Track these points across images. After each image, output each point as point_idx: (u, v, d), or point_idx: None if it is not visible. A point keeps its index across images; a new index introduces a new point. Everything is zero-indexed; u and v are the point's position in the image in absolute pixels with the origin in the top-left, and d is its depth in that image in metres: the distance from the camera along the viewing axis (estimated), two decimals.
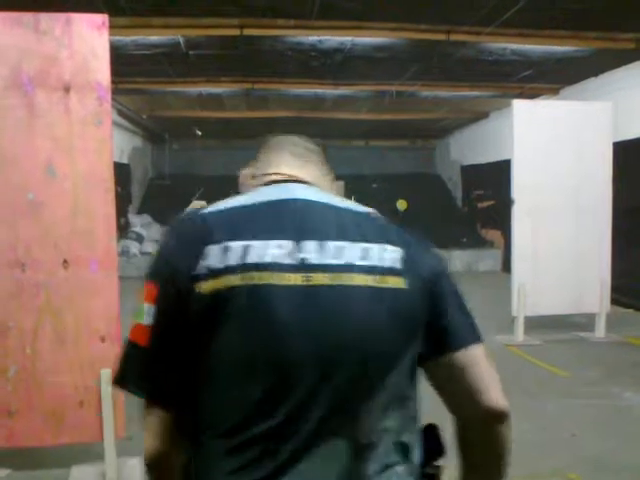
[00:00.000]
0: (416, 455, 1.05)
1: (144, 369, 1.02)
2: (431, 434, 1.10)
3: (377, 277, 1.00)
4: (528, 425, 4.30)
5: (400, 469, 1.02)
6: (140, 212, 14.37)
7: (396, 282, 1.01)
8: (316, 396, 0.96)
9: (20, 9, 3.17)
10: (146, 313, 1.00)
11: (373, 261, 1.01)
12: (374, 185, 16.05)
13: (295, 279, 0.97)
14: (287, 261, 0.98)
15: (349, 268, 0.99)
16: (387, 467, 1.00)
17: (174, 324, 0.98)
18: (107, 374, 3.21)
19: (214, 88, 10.18)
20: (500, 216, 11.36)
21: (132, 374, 1.03)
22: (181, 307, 0.97)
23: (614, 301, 7.33)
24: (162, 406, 1.01)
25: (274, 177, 1.15)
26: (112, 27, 3.30)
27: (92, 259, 3.22)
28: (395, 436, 1.01)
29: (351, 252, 1.00)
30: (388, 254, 1.02)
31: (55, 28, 3.14)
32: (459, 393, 1.06)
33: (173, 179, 15.81)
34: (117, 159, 11.09)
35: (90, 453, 3.60)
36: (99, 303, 3.24)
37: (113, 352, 3.25)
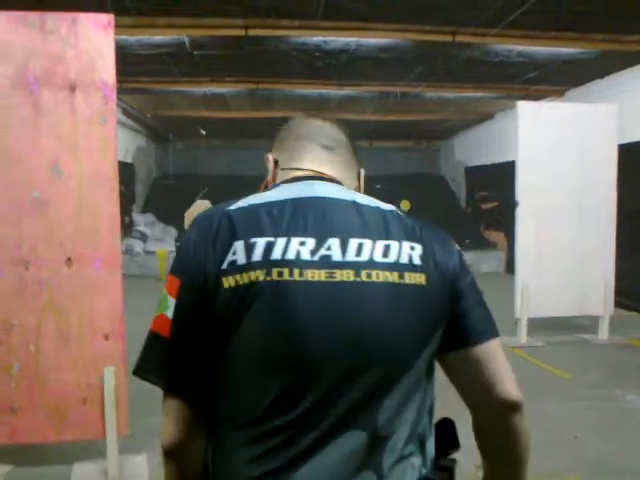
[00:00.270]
0: (430, 447, 1.08)
1: (165, 360, 1.03)
2: (446, 428, 1.13)
3: (398, 274, 1.01)
4: (530, 426, 4.29)
5: (415, 460, 1.04)
6: (144, 211, 14.40)
7: (416, 278, 1.02)
8: (336, 391, 0.98)
9: (26, 8, 3.18)
10: (169, 305, 1.02)
11: (394, 258, 1.02)
12: (378, 186, 16.03)
13: (318, 275, 0.99)
14: (310, 258, 0.99)
15: (370, 265, 1.01)
16: (402, 458, 1.02)
17: (197, 317, 1.00)
18: (110, 372, 3.22)
19: (218, 88, 10.19)
20: (504, 217, 11.35)
21: (153, 364, 1.04)
22: (204, 301, 0.99)
23: (618, 303, 7.31)
24: (182, 396, 1.02)
25: (299, 173, 1.15)
26: (117, 27, 3.31)
27: (96, 257, 3.24)
28: (412, 428, 1.03)
29: (372, 249, 1.02)
30: (409, 251, 1.04)
31: (61, 27, 3.16)
32: (476, 385, 1.08)
33: (177, 179, 15.84)
34: (121, 158, 11.12)
35: (92, 450, 3.62)
36: (103, 301, 3.25)
37: (116, 350, 3.26)
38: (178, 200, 11.19)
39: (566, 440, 4.08)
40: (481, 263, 13.04)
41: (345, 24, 6.64)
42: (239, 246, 0.99)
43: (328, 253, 1.00)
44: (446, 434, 1.12)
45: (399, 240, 1.04)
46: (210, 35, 6.92)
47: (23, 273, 3.18)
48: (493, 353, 1.08)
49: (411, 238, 1.05)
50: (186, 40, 7.11)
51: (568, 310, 6.79)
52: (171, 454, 1.05)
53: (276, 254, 0.98)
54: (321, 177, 1.14)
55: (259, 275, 0.97)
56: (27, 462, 3.58)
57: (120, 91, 7.03)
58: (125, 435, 3.38)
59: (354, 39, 7.16)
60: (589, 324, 7.09)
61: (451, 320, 1.07)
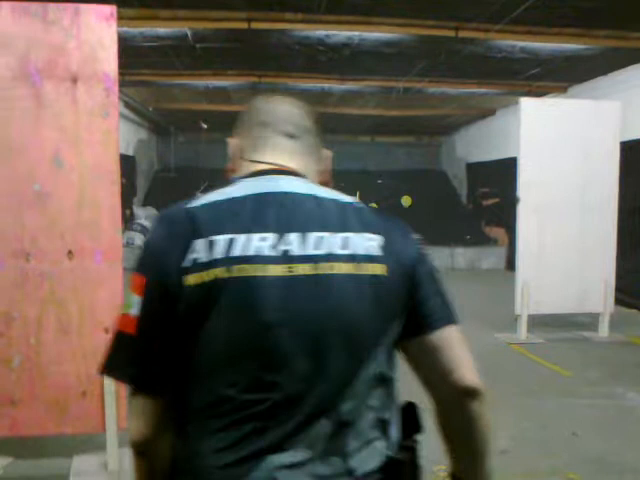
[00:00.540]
0: (394, 432, 1.10)
1: (132, 357, 1.05)
2: (410, 411, 1.14)
3: (357, 265, 1.04)
4: (529, 424, 4.30)
5: (380, 444, 1.07)
6: (145, 204, 14.39)
7: (375, 269, 1.05)
8: (301, 382, 1.00)
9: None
10: (134, 304, 1.03)
11: (352, 250, 1.04)
12: (379, 181, 16.03)
13: (278, 270, 1.01)
14: (270, 253, 1.01)
15: (329, 257, 1.03)
16: (368, 442, 1.05)
17: (162, 315, 1.02)
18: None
19: (221, 81, 10.17)
20: (505, 214, 11.34)
21: (120, 362, 1.06)
22: (169, 298, 1.01)
23: (618, 301, 7.31)
24: (148, 393, 1.05)
25: (260, 167, 1.15)
26: (120, 18, 3.29)
27: (97, 250, 3.23)
28: (376, 413, 1.06)
29: (331, 242, 1.04)
30: (367, 242, 1.06)
31: (63, 18, 3.14)
32: (435, 372, 1.10)
33: (178, 172, 15.81)
34: (123, 151, 11.09)
35: (92, 443, 3.62)
36: (103, 294, 3.24)
37: None
38: (179, 193, 11.15)
39: (565, 437, 4.08)
40: (482, 259, 13.05)
41: (348, 18, 6.62)
42: (200, 244, 1.01)
43: (288, 248, 1.02)
44: (410, 417, 1.14)
45: (358, 232, 1.06)
46: (213, 28, 6.90)
47: (24, 265, 3.18)
48: (451, 340, 1.10)
49: (370, 229, 1.08)
50: (189, 33, 7.09)
51: (568, 307, 6.79)
52: (140, 449, 1.07)
53: (237, 251, 1.00)
54: (282, 171, 1.14)
55: (221, 272, 0.99)
56: (27, 455, 3.59)
57: (122, 84, 7.01)
58: (125, 428, 3.38)
59: (357, 33, 7.14)
60: (589, 321, 7.09)
61: (410, 308, 1.09)
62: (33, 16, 3.11)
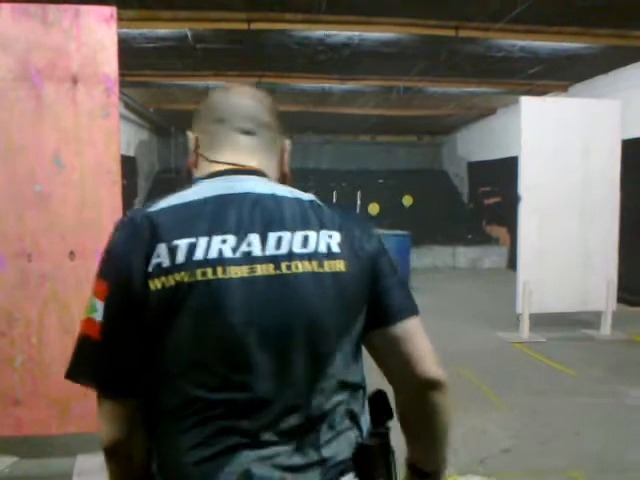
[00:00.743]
0: (365, 422, 1.13)
1: (97, 362, 1.06)
2: (379, 399, 1.17)
3: (317, 262, 1.05)
4: (531, 422, 4.30)
5: (351, 433, 1.09)
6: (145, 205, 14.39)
7: (336, 265, 1.06)
8: (270, 379, 1.02)
9: (28, 0, 3.17)
10: (97, 309, 1.04)
11: (312, 248, 1.06)
12: (380, 180, 16.03)
13: (240, 272, 1.02)
14: (232, 255, 1.02)
15: (290, 257, 1.04)
16: (339, 433, 1.07)
17: (126, 320, 1.03)
18: None
19: (221, 82, 10.16)
20: (506, 213, 11.34)
21: (85, 367, 1.07)
22: (132, 304, 1.01)
23: (620, 299, 7.31)
24: (115, 397, 1.06)
25: (218, 167, 1.15)
26: (120, 19, 3.30)
27: (98, 250, 3.20)
28: (346, 405, 1.09)
29: (291, 241, 1.05)
30: (327, 239, 1.07)
31: (63, 20, 3.15)
32: (397, 363, 1.12)
33: (179, 173, 15.82)
34: (124, 152, 11.09)
35: (95, 442, 3.59)
36: None
37: None
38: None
39: (568, 436, 4.08)
40: (483, 258, 13.05)
41: (348, 18, 6.62)
42: (162, 249, 1.01)
43: (249, 249, 1.03)
44: (380, 404, 1.16)
45: (317, 230, 1.08)
46: (213, 28, 6.90)
47: (25, 266, 3.19)
48: (413, 331, 1.12)
49: (329, 226, 1.09)
50: (189, 33, 7.09)
51: (570, 306, 6.78)
52: (111, 453, 1.09)
53: (199, 254, 1.01)
54: (241, 170, 1.14)
55: (184, 277, 1.00)
56: (31, 454, 3.60)
57: (123, 84, 7.01)
58: None
59: (357, 33, 7.14)
60: (592, 320, 7.08)
61: (372, 300, 1.11)
62: (33, 18, 3.12)
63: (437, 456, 1.20)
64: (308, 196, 1.13)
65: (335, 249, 1.07)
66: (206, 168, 1.17)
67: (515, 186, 6.71)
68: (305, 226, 1.07)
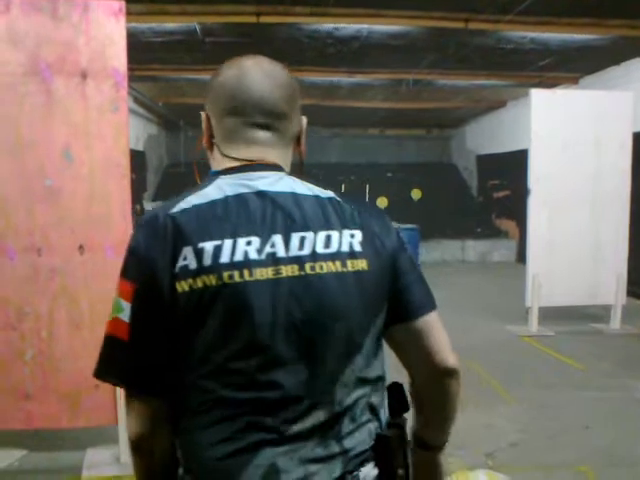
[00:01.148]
0: (384, 414, 1.17)
1: (125, 362, 1.07)
2: (396, 391, 1.21)
3: (340, 262, 1.07)
4: (540, 416, 4.30)
5: (371, 425, 1.13)
6: (155, 199, 14.43)
7: (358, 264, 1.09)
8: (296, 378, 1.05)
9: None
10: (124, 309, 1.06)
11: (335, 247, 1.07)
12: (389, 174, 15.99)
13: (266, 273, 1.03)
14: (257, 257, 1.04)
15: (313, 257, 1.06)
16: (360, 425, 1.11)
17: (153, 321, 1.05)
18: None
19: None
20: (515, 206, 11.28)
21: (113, 367, 1.09)
22: (159, 305, 1.03)
23: (630, 293, 7.27)
24: (143, 395, 1.08)
25: (235, 163, 1.13)
26: (129, 14, 3.30)
27: (108, 245, 3.25)
28: (367, 398, 1.12)
29: (314, 241, 1.07)
30: (349, 239, 1.09)
31: (72, 14, 3.15)
32: (418, 355, 1.16)
33: (188, 167, 15.85)
34: (133, 146, 11.12)
35: (105, 436, 3.65)
36: (114, 288, 3.26)
37: None
38: (188, 188, 11.19)
39: (577, 430, 4.07)
40: (492, 252, 13.00)
41: (357, 11, 6.58)
42: (188, 251, 1.03)
43: (273, 250, 1.05)
44: (397, 396, 1.21)
45: (339, 229, 1.09)
46: (222, 22, 6.89)
47: (35, 260, 3.21)
48: (432, 325, 1.16)
49: (350, 225, 1.10)
50: (198, 27, 7.08)
51: (580, 299, 6.75)
52: (138, 448, 1.10)
53: (225, 257, 1.02)
54: (258, 165, 1.13)
55: (211, 280, 1.02)
56: (41, 447, 3.63)
57: (132, 79, 7.03)
58: None
59: (366, 26, 7.10)
60: (601, 314, 7.05)
61: (392, 297, 1.14)
62: (43, 13, 3.13)
63: (444, 434, 1.27)
64: (327, 193, 1.13)
65: (357, 248, 1.09)
66: (222, 161, 1.16)
67: (525, 179, 6.68)
68: (327, 226, 1.08)
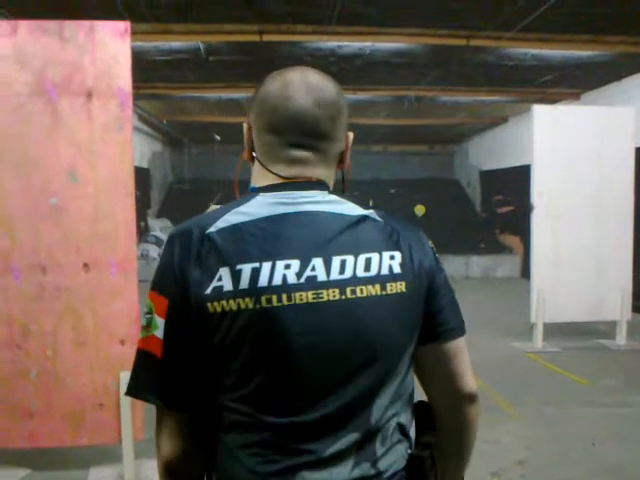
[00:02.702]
0: (412, 433, 1.16)
1: (159, 379, 1.05)
2: (423, 410, 1.19)
3: (380, 286, 1.05)
4: (546, 433, 4.26)
5: (402, 446, 1.12)
6: (159, 216, 14.49)
7: (397, 287, 1.07)
8: (332, 401, 1.03)
9: (46, 18, 3.23)
10: (158, 325, 1.03)
11: (375, 271, 1.05)
12: (392, 190, 16.02)
13: (305, 297, 1.01)
14: (296, 281, 1.01)
15: (354, 281, 1.04)
16: (392, 445, 1.10)
17: (187, 339, 1.02)
18: (126, 376, 3.22)
19: (233, 93, 10.23)
20: (519, 221, 11.28)
21: (147, 384, 1.06)
22: (193, 324, 1.01)
23: (635, 308, 7.23)
24: (178, 413, 1.06)
25: (275, 181, 1.09)
26: (134, 33, 3.34)
27: (112, 262, 3.26)
28: (397, 418, 1.10)
29: (355, 264, 1.04)
30: (389, 261, 1.07)
31: (79, 35, 3.19)
32: (441, 377, 1.15)
33: (192, 183, 15.91)
34: (137, 163, 11.19)
35: (109, 455, 3.64)
36: (119, 306, 3.27)
37: (132, 355, 3.27)
38: (193, 205, 11.25)
39: (583, 447, 4.03)
40: (496, 267, 12.98)
41: (359, 29, 6.65)
42: (225, 272, 1.00)
43: (313, 274, 1.02)
44: (423, 416, 1.19)
45: (379, 251, 1.07)
46: (225, 41, 6.96)
47: (41, 278, 3.22)
48: (460, 349, 1.14)
49: (390, 247, 1.08)
50: (201, 46, 7.16)
51: (585, 315, 6.72)
52: (170, 470, 1.07)
53: (263, 281, 1.00)
54: (299, 184, 1.09)
55: (248, 303, 0.99)
56: (44, 466, 3.61)
57: (136, 97, 7.09)
58: (141, 439, 3.40)
59: (369, 44, 7.17)
60: (606, 329, 7.02)
61: (426, 316, 1.12)
62: (50, 34, 3.17)
63: (458, 474, 1.24)
64: (366, 212, 1.11)
65: (397, 270, 1.07)
66: (262, 177, 1.11)
67: (528, 194, 6.68)
68: (367, 248, 1.06)
